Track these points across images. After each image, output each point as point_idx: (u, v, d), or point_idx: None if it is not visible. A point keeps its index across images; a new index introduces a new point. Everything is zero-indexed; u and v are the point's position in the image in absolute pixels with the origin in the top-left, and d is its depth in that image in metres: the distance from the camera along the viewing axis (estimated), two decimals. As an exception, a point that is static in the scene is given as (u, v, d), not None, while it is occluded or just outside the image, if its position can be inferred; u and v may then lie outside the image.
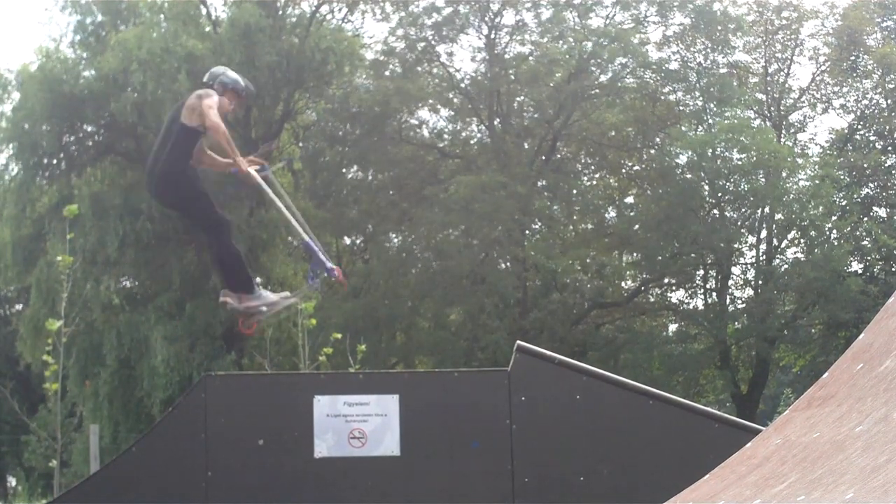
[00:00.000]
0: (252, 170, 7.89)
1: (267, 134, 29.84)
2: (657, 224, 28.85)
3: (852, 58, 31.40)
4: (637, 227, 29.95)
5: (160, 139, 8.01)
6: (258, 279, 29.05)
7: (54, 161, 28.61)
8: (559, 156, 31.34)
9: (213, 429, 6.77)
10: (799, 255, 30.52)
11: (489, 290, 28.22)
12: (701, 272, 30.98)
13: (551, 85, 29.80)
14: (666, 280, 31.13)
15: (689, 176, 29.38)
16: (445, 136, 32.52)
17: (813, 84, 32.33)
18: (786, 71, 32.22)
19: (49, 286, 25.85)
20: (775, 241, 30.74)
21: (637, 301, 31.53)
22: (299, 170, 31.78)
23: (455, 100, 31.59)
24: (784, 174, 28.77)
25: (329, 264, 7.95)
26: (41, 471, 33.42)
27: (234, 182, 8.10)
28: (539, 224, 31.16)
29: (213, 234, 7.93)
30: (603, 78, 30.40)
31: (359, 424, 6.82)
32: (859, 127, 32.30)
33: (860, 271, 30.32)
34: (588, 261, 30.61)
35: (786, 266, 30.47)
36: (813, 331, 30.78)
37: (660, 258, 29.73)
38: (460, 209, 27.98)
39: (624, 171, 32.79)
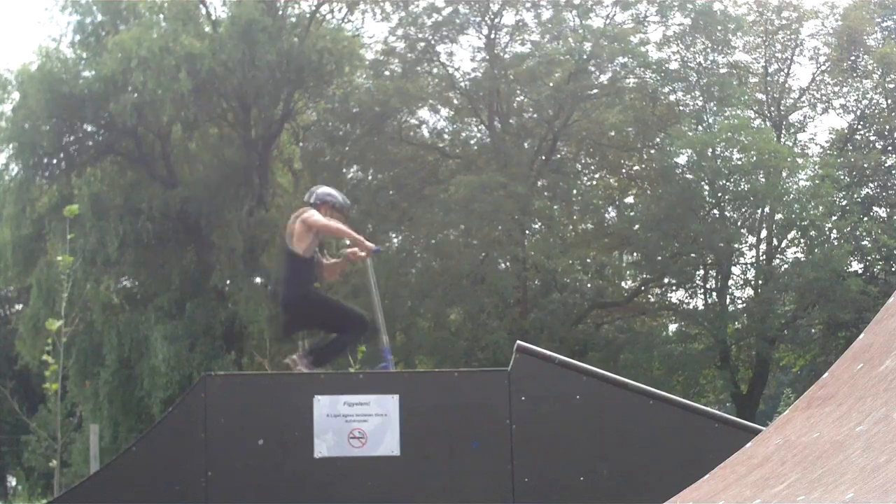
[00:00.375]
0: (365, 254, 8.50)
1: (267, 134, 29.85)
2: (657, 224, 28.85)
3: (852, 58, 31.40)
4: (637, 227, 29.95)
5: (277, 267, 8.53)
6: (257, 279, 29.16)
7: (54, 161, 28.62)
8: (559, 156, 31.34)
9: (212, 429, 6.77)
10: (799, 254, 30.53)
11: (489, 290, 28.23)
12: (701, 272, 30.98)
13: (551, 85, 29.81)
14: (666, 280, 31.13)
15: (689, 176, 29.39)
16: (445, 136, 32.54)
17: (813, 84, 32.36)
18: (786, 71, 32.25)
19: (49, 286, 25.86)
20: (775, 241, 30.75)
21: (637, 301, 31.54)
22: (299, 170, 31.79)
23: (455, 100, 31.61)
24: (784, 174, 28.78)
25: (388, 358, 8.36)
26: (41, 470, 33.47)
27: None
28: (539, 224, 31.15)
29: (343, 332, 8.31)
30: (603, 78, 30.43)
31: (359, 424, 6.82)
32: (859, 127, 32.30)
33: (860, 271, 30.32)
34: (588, 261, 30.62)
35: (786, 266, 30.47)
36: (813, 331, 30.78)
37: (660, 258, 29.73)
38: (460, 209, 27.99)
39: (624, 171, 32.80)
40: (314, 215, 8.17)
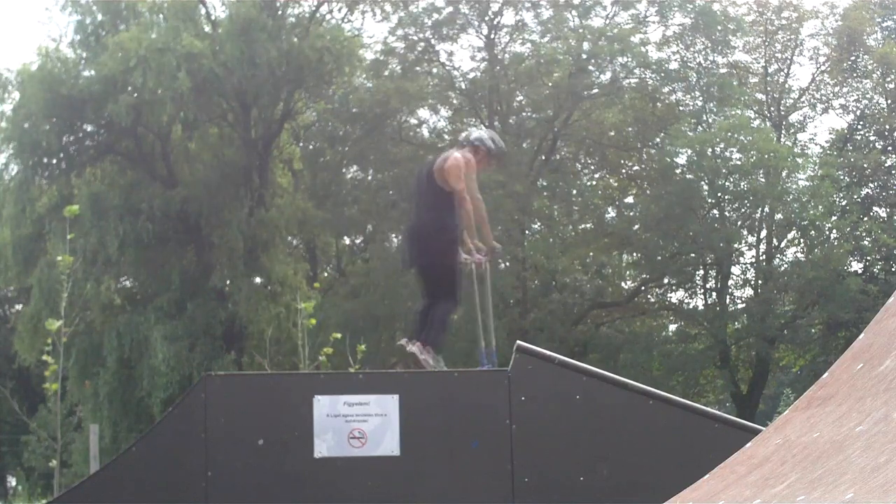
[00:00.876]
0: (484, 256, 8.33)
1: (267, 133, 29.86)
2: (657, 224, 28.85)
3: (852, 58, 31.40)
4: (637, 226, 29.96)
5: (414, 198, 8.13)
6: (257, 279, 29.15)
7: (54, 161, 28.61)
8: (559, 156, 31.34)
9: (212, 429, 6.77)
10: (799, 254, 30.54)
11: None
12: (701, 272, 30.98)
13: (551, 85, 29.81)
14: (666, 280, 31.13)
15: (689, 176, 29.39)
16: (445, 135, 32.53)
17: (813, 84, 32.36)
18: (786, 71, 32.25)
19: (50, 286, 25.85)
20: (775, 241, 30.75)
21: (637, 301, 31.54)
22: (299, 170, 31.79)
23: (455, 100, 31.60)
24: (784, 174, 28.78)
25: (485, 364, 8.22)
26: (41, 471, 33.47)
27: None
28: (539, 224, 31.16)
29: (441, 300, 8.02)
30: (603, 78, 30.41)
31: (359, 424, 6.82)
32: (859, 127, 32.31)
33: (860, 271, 30.32)
34: (588, 261, 30.62)
35: (785, 266, 30.48)
36: (813, 331, 30.77)
37: (659, 258, 29.74)
38: (460, 209, 27.96)
39: (623, 170, 32.79)
40: (461, 167, 7.69)
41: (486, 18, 30.77)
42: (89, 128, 29.34)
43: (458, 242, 8.05)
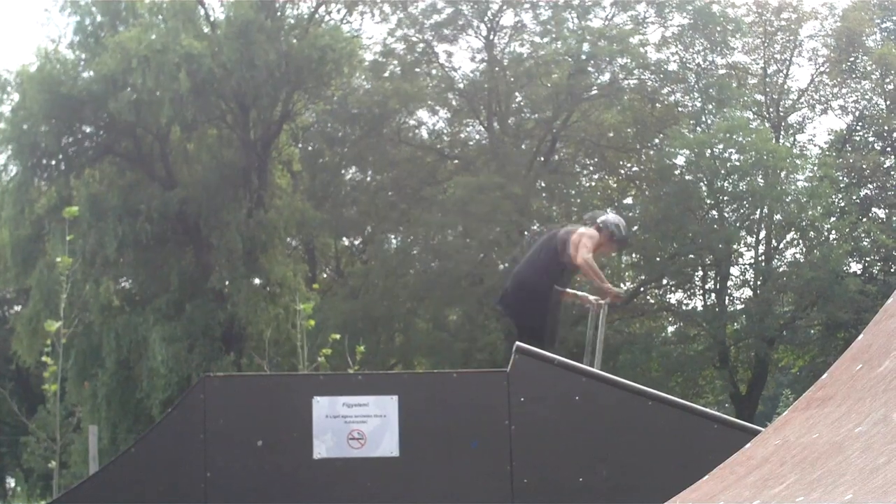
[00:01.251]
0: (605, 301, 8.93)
1: (266, 134, 29.84)
2: (655, 225, 28.86)
3: (851, 59, 31.41)
4: (635, 227, 29.95)
5: (530, 249, 9.00)
6: (256, 280, 29.14)
7: (53, 162, 28.60)
8: (558, 157, 31.35)
9: (211, 430, 6.77)
10: (798, 255, 30.55)
11: (487, 291, 28.21)
12: (700, 273, 30.99)
13: (549, 85, 29.82)
14: (664, 281, 31.14)
15: (687, 177, 29.39)
16: (444, 137, 32.55)
17: (812, 85, 32.38)
18: (785, 72, 32.26)
19: (49, 287, 25.83)
20: (774, 242, 30.76)
21: (636, 302, 31.53)
22: (298, 171, 31.79)
23: (454, 101, 31.61)
24: (783, 175, 28.79)
25: None
26: (40, 472, 33.43)
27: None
28: (537, 225, 31.14)
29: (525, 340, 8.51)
30: (602, 79, 30.43)
31: (358, 425, 6.82)
32: (858, 128, 32.32)
33: (859, 272, 30.33)
34: (587, 262, 30.56)
35: (784, 266, 30.48)
36: (812, 331, 30.78)
37: (658, 259, 29.74)
38: (458, 210, 27.99)
39: (622, 171, 32.80)
40: (586, 245, 8.47)
41: (486, 19, 30.79)
42: (88, 129, 29.33)
43: (546, 307, 8.77)
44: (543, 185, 30.41)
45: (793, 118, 32.63)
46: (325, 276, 34.21)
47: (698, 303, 31.26)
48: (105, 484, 6.92)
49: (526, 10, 30.51)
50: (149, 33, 27.03)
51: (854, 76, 31.78)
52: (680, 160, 29.45)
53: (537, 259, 8.72)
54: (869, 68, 31.40)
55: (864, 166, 30.76)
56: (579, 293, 9.34)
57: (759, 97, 32.13)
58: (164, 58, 26.02)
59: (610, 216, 9.11)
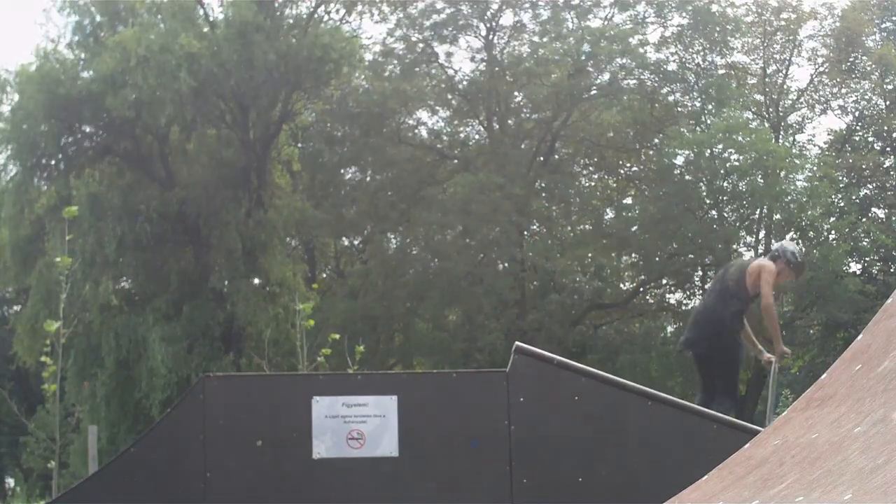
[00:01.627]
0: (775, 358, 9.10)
1: (265, 135, 29.84)
2: (655, 225, 28.86)
3: (851, 59, 31.41)
4: (635, 227, 29.97)
5: (714, 285, 9.16)
6: (256, 280, 29.13)
7: (52, 162, 28.60)
8: (557, 157, 31.35)
9: (211, 430, 6.76)
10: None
11: (487, 291, 28.23)
12: (699, 273, 30.98)
13: (549, 85, 29.82)
14: (664, 281, 31.14)
15: (687, 177, 29.40)
16: (444, 136, 32.54)
17: (811, 85, 32.36)
18: (784, 72, 32.25)
19: (48, 287, 25.84)
20: (774, 242, 30.75)
21: (635, 302, 31.55)
22: (298, 171, 31.79)
23: (453, 101, 31.61)
24: (782, 174, 28.79)
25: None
26: (39, 472, 33.43)
27: None
28: (537, 225, 31.17)
29: (719, 395, 8.83)
30: (601, 79, 30.44)
31: (357, 425, 6.81)
32: (858, 128, 32.32)
33: (858, 272, 30.33)
34: (586, 262, 30.61)
35: (784, 267, 30.44)
36: (811, 331, 30.79)
37: (658, 259, 29.74)
38: (458, 210, 28.00)
39: (622, 171, 32.81)
40: (767, 281, 8.62)
41: (485, 19, 30.79)
42: (88, 129, 29.33)
43: (739, 338, 8.87)
44: (543, 185, 30.42)
45: (792, 118, 32.65)
46: (324, 276, 34.21)
47: (698, 303, 31.25)
48: (104, 484, 6.92)
49: (525, 10, 30.55)
50: (148, 33, 27.03)
51: (854, 76, 31.79)
52: (679, 160, 29.46)
53: (716, 296, 8.95)
54: (868, 68, 31.40)
55: (863, 166, 30.76)
56: (758, 344, 9.41)
57: (758, 97, 32.13)
58: (163, 58, 26.02)
59: (786, 244, 9.29)
